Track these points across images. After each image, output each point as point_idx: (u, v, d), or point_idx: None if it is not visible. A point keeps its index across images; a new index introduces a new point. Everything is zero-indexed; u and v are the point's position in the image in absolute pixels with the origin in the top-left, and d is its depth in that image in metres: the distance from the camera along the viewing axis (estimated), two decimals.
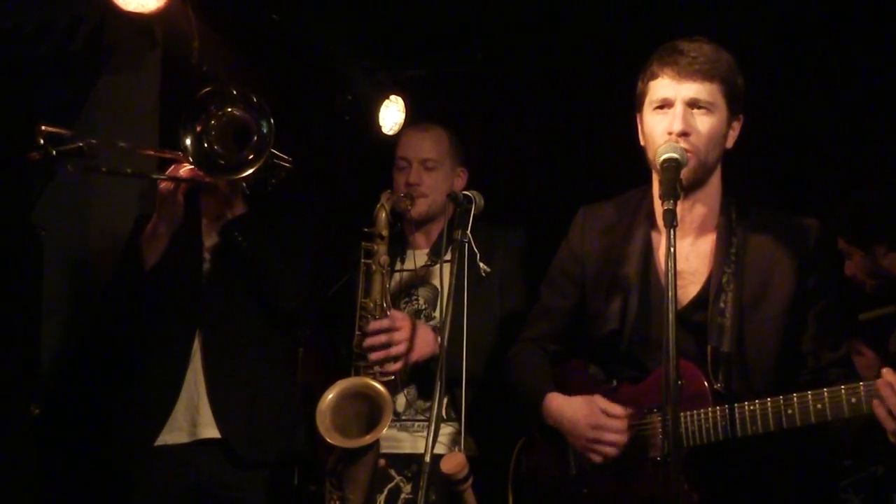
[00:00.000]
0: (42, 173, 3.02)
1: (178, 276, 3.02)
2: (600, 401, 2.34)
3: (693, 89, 2.25)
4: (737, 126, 2.35)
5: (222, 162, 2.85)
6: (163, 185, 2.92)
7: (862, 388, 2.04)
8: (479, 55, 4.19)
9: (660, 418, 2.25)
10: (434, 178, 3.09)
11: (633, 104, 2.41)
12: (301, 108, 4.11)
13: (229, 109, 2.84)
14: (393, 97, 4.04)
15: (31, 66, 3.78)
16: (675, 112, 2.25)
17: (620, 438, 2.31)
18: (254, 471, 2.91)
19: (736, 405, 2.15)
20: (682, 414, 2.16)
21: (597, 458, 2.34)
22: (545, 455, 2.50)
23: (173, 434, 2.92)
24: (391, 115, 4.07)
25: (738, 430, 2.14)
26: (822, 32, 3.70)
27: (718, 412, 2.17)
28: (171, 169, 2.93)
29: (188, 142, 2.82)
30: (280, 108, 2.90)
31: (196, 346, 2.95)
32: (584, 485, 2.39)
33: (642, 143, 2.39)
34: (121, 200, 3.65)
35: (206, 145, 2.83)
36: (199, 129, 2.82)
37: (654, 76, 2.30)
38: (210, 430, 2.90)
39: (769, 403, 2.12)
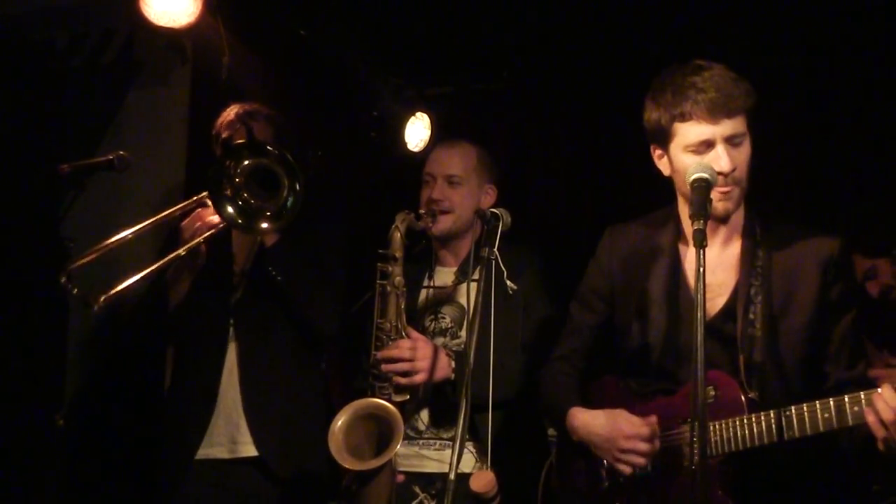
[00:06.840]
0: (72, 185, 3.05)
1: (211, 294, 3.05)
2: (625, 413, 2.38)
3: (730, 126, 2.27)
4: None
5: (266, 212, 2.81)
6: (191, 238, 2.87)
7: (863, 397, 2.09)
8: (505, 73, 4.19)
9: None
10: (459, 195, 3.07)
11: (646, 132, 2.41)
12: (328, 124, 4.13)
13: (246, 162, 2.80)
14: (419, 114, 4.04)
15: (63, 79, 3.82)
16: (719, 152, 2.27)
17: (651, 448, 2.33)
18: (286, 487, 2.94)
19: (762, 413, 2.19)
20: (717, 422, 2.22)
21: (626, 469, 2.36)
22: (575, 470, 2.52)
23: (213, 449, 2.95)
24: (417, 131, 4.07)
25: (766, 438, 2.17)
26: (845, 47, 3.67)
27: (745, 420, 2.20)
28: (194, 218, 2.88)
29: (230, 210, 2.78)
30: (307, 123, 2.90)
31: (233, 362, 2.99)
32: (617, 498, 2.41)
33: (667, 173, 2.42)
34: (150, 209, 3.68)
35: (241, 204, 2.80)
36: (228, 192, 2.79)
37: (683, 118, 2.28)
38: (249, 448, 2.94)
39: (782, 412, 2.15)
